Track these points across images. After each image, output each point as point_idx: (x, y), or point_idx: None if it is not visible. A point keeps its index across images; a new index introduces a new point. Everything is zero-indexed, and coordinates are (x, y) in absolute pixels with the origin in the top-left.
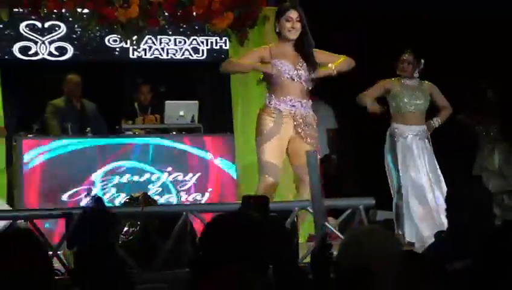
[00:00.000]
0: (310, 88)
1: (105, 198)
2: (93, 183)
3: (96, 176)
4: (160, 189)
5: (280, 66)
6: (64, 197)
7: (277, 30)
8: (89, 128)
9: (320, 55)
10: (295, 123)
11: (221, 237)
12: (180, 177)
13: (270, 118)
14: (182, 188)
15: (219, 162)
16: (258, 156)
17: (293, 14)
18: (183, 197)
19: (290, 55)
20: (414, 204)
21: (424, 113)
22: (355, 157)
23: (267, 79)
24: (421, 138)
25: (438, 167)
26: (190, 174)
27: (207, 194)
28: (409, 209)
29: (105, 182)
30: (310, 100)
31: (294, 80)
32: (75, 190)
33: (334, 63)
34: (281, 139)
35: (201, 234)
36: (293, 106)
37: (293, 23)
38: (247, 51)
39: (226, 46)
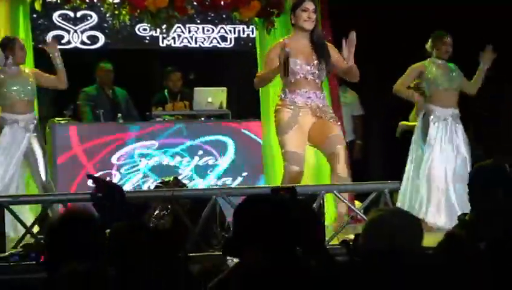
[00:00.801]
0: (323, 81)
1: (133, 182)
2: (118, 167)
3: (124, 158)
4: (191, 173)
5: (293, 65)
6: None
7: (293, 22)
8: (120, 115)
9: (332, 51)
10: (313, 111)
11: (251, 219)
12: (211, 162)
13: (288, 109)
14: (213, 173)
15: (248, 147)
16: (281, 148)
17: (310, 5)
18: (214, 181)
19: (304, 50)
20: (424, 186)
21: (457, 96)
22: (382, 143)
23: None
24: (457, 121)
25: (467, 150)
26: (221, 159)
27: (239, 179)
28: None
29: (131, 165)
30: (324, 93)
31: (307, 78)
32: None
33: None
34: (301, 128)
35: (233, 216)
36: (309, 97)
37: (309, 14)
38: (266, 56)
39: (252, 34)
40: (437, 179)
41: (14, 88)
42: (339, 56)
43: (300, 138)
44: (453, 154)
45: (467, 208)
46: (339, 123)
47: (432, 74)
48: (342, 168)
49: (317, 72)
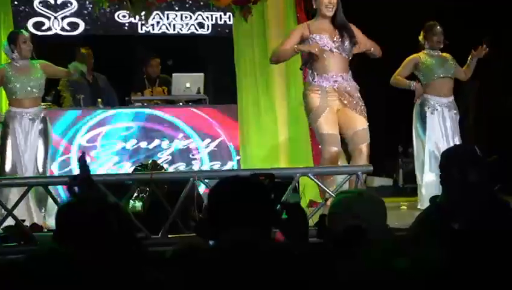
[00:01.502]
0: (350, 58)
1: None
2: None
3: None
4: (170, 157)
5: (319, 40)
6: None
7: (314, 7)
8: (100, 100)
9: (355, 31)
10: (340, 97)
11: (227, 201)
12: (192, 146)
13: (316, 94)
14: (193, 156)
15: (224, 130)
16: (316, 131)
17: None
18: (195, 165)
19: (327, 30)
20: (429, 176)
21: (452, 83)
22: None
23: (309, 56)
24: (451, 109)
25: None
26: (200, 143)
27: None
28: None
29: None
30: (350, 71)
31: (333, 52)
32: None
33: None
34: (331, 111)
35: (208, 198)
36: (335, 81)
37: (330, 0)
38: (290, 33)
39: (230, 21)
40: (429, 172)
41: (21, 83)
42: (362, 36)
43: (332, 119)
44: (451, 141)
45: None
46: (364, 109)
47: (426, 63)
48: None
49: (341, 46)
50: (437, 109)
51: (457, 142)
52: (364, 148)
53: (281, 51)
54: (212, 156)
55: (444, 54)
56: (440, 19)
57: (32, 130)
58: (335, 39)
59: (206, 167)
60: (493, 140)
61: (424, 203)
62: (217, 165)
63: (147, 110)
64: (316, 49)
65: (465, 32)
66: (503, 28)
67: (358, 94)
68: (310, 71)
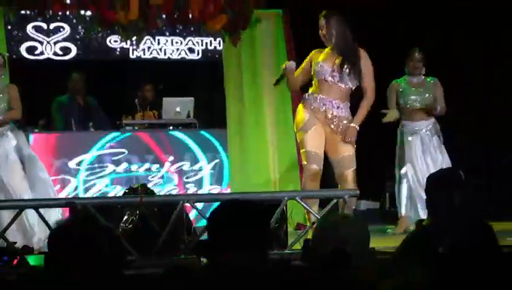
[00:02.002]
0: (351, 88)
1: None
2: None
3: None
4: (160, 180)
5: (319, 68)
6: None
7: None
8: (91, 123)
9: (364, 65)
10: (327, 119)
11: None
12: (186, 168)
13: (307, 110)
14: (187, 179)
15: (213, 155)
16: (300, 145)
17: (320, 21)
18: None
19: (329, 58)
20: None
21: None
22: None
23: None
24: (430, 134)
25: (444, 162)
26: (191, 166)
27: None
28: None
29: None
30: (348, 102)
31: (327, 80)
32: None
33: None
34: (318, 129)
35: (209, 218)
36: (324, 104)
37: (321, 31)
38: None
39: (220, 46)
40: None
41: None
42: (367, 73)
43: (318, 138)
44: (429, 165)
45: None
46: (352, 134)
47: (402, 93)
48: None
49: (338, 75)
50: (413, 133)
51: (442, 166)
52: (349, 174)
53: (289, 82)
54: (208, 179)
55: (427, 82)
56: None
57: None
58: (334, 68)
59: (198, 190)
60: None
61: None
62: (207, 189)
63: (138, 134)
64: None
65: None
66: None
67: (348, 122)
68: (310, 88)
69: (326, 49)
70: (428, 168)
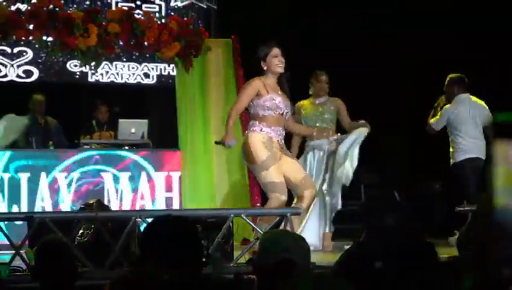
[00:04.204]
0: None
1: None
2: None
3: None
4: (115, 196)
5: (275, 100)
6: None
7: (265, 68)
8: (51, 142)
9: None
10: (280, 146)
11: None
12: (134, 186)
13: (263, 144)
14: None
15: (166, 174)
16: (262, 180)
17: (278, 50)
18: (135, 203)
19: (277, 90)
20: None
21: (332, 127)
22: None
23: (258, 110)
24: (327, 151)
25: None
26: (141, 184)
27: (159, 201)
28: None
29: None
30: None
31: (283, 114)
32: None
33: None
34: (277, 160)
35: (142, 235)
36: (280, 135)
37: (279, 58)
38: (245, 88)
39: (173, 72)
40: None
41: None
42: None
43: (279, 169)
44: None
45: None
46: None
47: (305, 115)
48: (306, 209)
49: (287, 105)
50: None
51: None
52: (309, 195)
53: (237, 110)
54: (155, 195)
55: (330, 101)
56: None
57: None
58: (284, 98)
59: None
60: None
61: None
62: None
63: (94, 152)
64: (314, 134)
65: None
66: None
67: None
68: (257, 122)
69: (271, 79)
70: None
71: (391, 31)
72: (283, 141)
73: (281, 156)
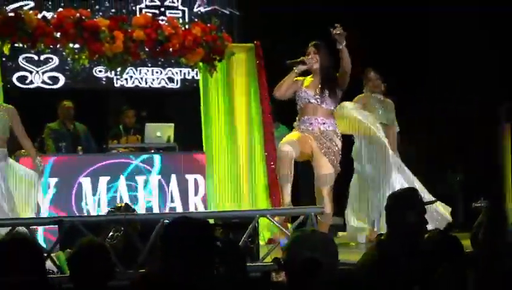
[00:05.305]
0: (332, 108)
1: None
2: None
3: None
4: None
5: (303, 93)
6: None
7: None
8: (80, 147)
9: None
10: (314, 136)
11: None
12: (163, 189)
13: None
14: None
15: (193, 176)
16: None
17: (310, 49)
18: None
19: (312, 84)
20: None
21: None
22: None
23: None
24: None
25: None
26: (170, 187)
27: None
28: None
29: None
30: (332, 119)
31: (311, 102)
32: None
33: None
34: (303, 135)
35: (161, 237)
36: (311, 123)
37: (309, 56)
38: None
39: (197, 76)
40: None
41: None
42: (341, 78)
43: (299, 137)
44: None
45: None
46: (336, 155)
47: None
48: (324, 205)
49: (319, 97)
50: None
51: None
52: (324, 191)
53: (279, 85)
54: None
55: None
56: None
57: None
58: (316, 91)
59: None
60: None
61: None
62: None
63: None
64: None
65: None
66: None
67: (336, 140)
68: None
69: (308, 77)
70: None
71: None
72: (324, 130)
73: (312, 144)
